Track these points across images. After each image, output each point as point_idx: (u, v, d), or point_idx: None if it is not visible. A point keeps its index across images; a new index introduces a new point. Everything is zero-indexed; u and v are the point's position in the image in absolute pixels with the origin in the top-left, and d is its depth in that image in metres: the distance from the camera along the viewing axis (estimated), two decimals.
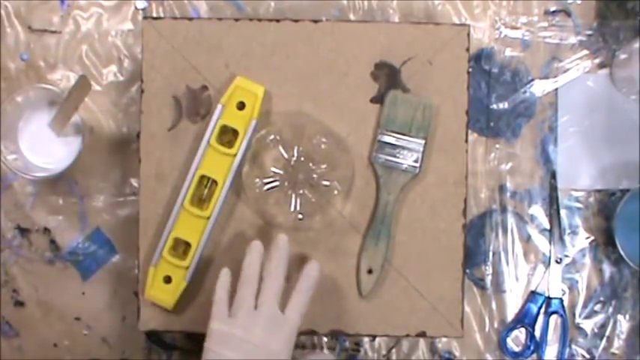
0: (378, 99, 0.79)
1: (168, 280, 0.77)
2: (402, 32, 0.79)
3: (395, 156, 0.77)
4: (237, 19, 0.79)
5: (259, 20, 0.79)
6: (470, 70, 0.79)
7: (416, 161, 0.77)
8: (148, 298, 0.77)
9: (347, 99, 0.78)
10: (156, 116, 0.78)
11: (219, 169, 0.76)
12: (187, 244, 0.76)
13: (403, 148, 0.77)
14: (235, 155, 0.76)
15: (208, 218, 0.76)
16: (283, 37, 0.79)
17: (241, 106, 0.77)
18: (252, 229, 0.79)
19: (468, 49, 0.79)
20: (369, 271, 0.78)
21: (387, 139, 0.77)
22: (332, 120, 0.78)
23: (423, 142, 0.77)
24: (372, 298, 0.78)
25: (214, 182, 0.76)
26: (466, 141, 0.78)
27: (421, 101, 0.78)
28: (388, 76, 0.79)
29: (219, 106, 0.76)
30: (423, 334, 0.78)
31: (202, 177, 0.76)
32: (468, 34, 0.79)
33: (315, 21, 0.79)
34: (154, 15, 0.85)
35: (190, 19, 0.81)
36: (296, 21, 0.79)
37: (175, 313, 0.78)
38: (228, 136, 0.77)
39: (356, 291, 0.78)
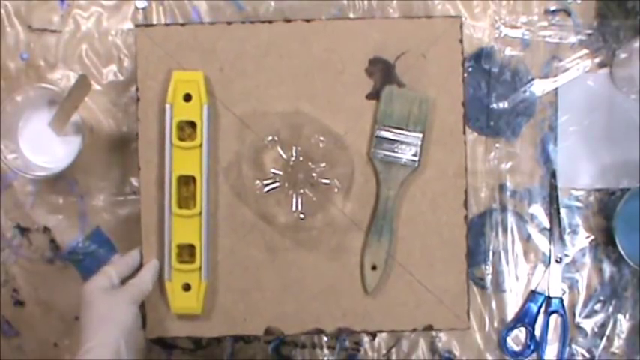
0: (374, 95, 0.79)
1: (187, 287, 0.77)
2: (395, 27, 0.79)
3: (393, 151, 0.77)
4: (229, 23, 0.79)
5: (252, 22, 0.79)
6: (466, 64, 0.80)
7: (415, 155, 0.77)
8: (176, 312, 0.77)
9: (343, 96, 0.78)
10: (153, 123, 0.78)
11: (192, 164, 0.76)
12: (192, 246, 0.76)
13: (401, 142, 0.77)
14: (201, 145, 0.76)
15: (200, 214, 0.76)
16: (276, 37, 0.79)
17: (188, 97, 0.77)
18: (254, 230, 0.79)
19: (461, 41, 0.79)
20: (373, 268, 0.78)
21: (384, 134, 0.77)
22: (329, 118, 0.78)
23: (420, 135, 0.78)
24: (378, 294, 0.78)
25: (193, 178, 0.76)
26: (464, 133, 0.78)
27: (417, 95, 0.78)
28: (383, 72, 0.79)
29: (167, 106, 0.76)
30: (429, 328, 0.78)
31: (180, 178, 0.76)
32: (461, 26, 0.79)
33: (308, 20, 0.79)
34: (154, 14, 0.85)
35: (183, 24, 0.81)
36: (288, 21, 0.79)
37: (182, 319, 0.78)
38: (188, 130, 0.77)
39: (361, 288, 0.79)
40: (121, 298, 0.73)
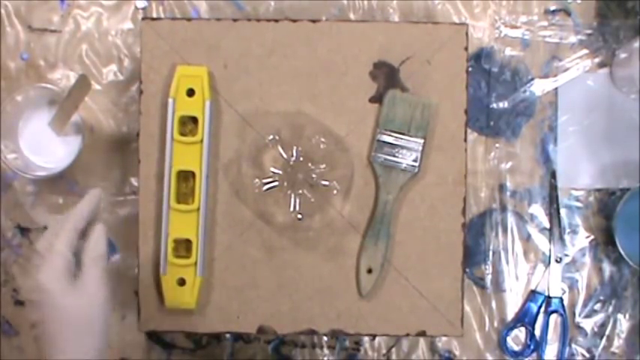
0: (377, 98, 0.79)
1: (182, 282, 0.77)
2: (401, 32, 0.79)
3: (394, 155, 0.77)
4: (235, 20, 0.79)
5: (258, 20, 0.79)
6: (469, 69, 0.79)
7: (415, 160, 0.77)
8: (170, 307, 0.77)
9: (346, 99, 0.78)
10: (155, 117, 0.78)
11: (192, 159, 0.76)
12: (188, 242, 0.77)
13: (402, 147, 0.77)
14: (202, 141, 0.76)
15: (198, 209, 0.76)
16: (282, 37, 0.79)
17: (191, 92, 0.77)
18: (252, 229, 0.79)
19: (466, 49, 0.78)
20: (369, 271, 0.78)
21: (386, 138, 0.77)
22: (331, 120, 0.78)
23: (422, 141, 0.77)
24: (372, 298, 0.78)
25: (192, 174, 0.76)
26: (465, 140, 0.78)
27: (420, 100, 0.78)
28: (387, 76, 0.78)
29: (170, 101, 0.76)
30: (422, 334, 0.78)
31: (180, 172, 0.76)
32: (467, 34, 0.79)
33: (314, 21, 0.79)
34: (154, 14, 0.85)
35: (189, 19, 0.81)
36: (294, 21, 0.79)
37: (175, 313, 0.78)
38: (189, 125, 0.77)
39: (355, 291, 0.78)
40: (90, 283, 0.62)
